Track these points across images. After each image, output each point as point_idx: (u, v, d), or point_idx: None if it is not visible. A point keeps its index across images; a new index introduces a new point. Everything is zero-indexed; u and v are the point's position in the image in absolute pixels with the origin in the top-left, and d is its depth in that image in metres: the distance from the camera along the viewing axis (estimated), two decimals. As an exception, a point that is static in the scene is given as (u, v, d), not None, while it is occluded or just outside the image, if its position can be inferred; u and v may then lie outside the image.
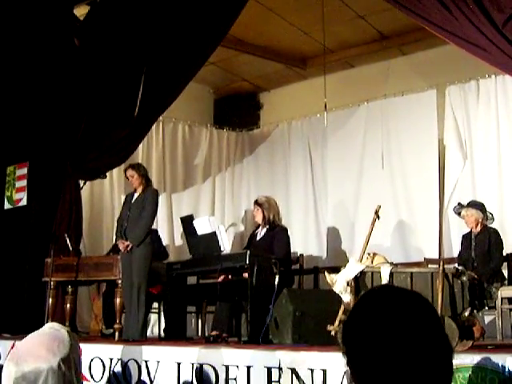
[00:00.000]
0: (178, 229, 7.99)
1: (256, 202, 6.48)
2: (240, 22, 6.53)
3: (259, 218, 6.42)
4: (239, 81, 9.34)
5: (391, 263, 4.73)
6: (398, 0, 5.08)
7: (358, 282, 4.52)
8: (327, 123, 6.85)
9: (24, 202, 7.05)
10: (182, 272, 6.20)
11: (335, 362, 3.97)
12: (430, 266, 6.01)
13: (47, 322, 5.28)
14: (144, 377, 4.78)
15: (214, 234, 5.82)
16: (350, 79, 8.51)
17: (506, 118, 6.95)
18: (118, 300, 5.97)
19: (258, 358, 4.25)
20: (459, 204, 6.16)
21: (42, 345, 1.69)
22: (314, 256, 8.09)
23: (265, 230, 6.39)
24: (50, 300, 6.06)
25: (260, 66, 8.77)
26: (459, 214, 6.12)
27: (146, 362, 4.80)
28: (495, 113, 7.00)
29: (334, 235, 8.10)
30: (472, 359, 3.25)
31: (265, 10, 7.29)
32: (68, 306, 6.37)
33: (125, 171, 6.30)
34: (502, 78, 6.84)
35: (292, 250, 6.61)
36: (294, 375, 4.03)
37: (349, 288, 4.49)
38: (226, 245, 5.88)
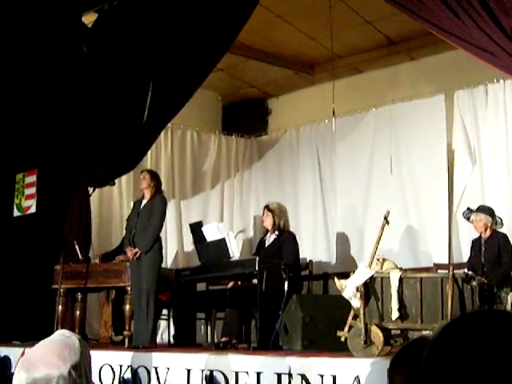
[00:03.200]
0: (187, 235, 7.99)
1: (267, 208, 6.47)
2: (248, 28, 6.55)
3: (268, 224, 6.42)
4: (247, 87, 9.36)
5: (400, 268, 4.72)
6: (405, 5, 5.09)
7: (367, 287, 4.51)
8: (335, 129, 6.84)
9: (33, 210, 7.08)
10: (191, 278, 6.21)
11: (345, 368, 3.97)
12: (439, 271, 5.98)
13: (57, 329, 5.30)
14: (154, 383, 4.79)
15: (222, 241, 5.83)
16: (358, 85, 8.50)
17: (514, 122, 6.92)
18: (127, 307, 5.98)
19: (268, 364, 4.25)
20: (468, 209, 6.14)
21: (53, 352, 1.70)
22: (323, 262, 8.07)
23: (274, 236, 6.40)
24: (60, 307, 6.08)
25: (268, 72, 8.78)
26: (468, 218, 6.10)
27: (155, 368, 4.80)
28: (504, 117, 6.97)
29: (343, 241, 8.08)
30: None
31: (272, 16, 7.31)
32: (78, 313, 6.39)
33: (141, 172, 6.36)
34: (511, 83, 6.82)
35: (301, 256, 6.61)
36: (303, 381, 4.02)
37: (358, 294, 4.49)
38: (235, 251, 5.89)
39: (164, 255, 6.69)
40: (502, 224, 6.02)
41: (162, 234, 6.31)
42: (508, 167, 6.90)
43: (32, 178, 7.18)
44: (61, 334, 1.80)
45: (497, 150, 7.02)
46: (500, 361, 1.05)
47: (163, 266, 6.49)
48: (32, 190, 7.13)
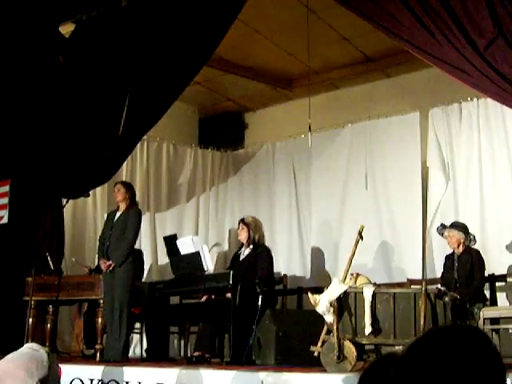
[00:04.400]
0: (162, 248, 7.95)
1: (243, 221, 6.47)
2: (226, 42, 6.57)
3: (243, 237, 6.41)
4: (224, 101, 9.37)
5: (374, 284, 4.74)
6: (381, 23, 5.15)
7: (340, 302, 4.52)
8: (312, 144, 6.87)
9: (5, 220, 6.96)
10: (164, 292, 6.16)
11: (318, 383, 3.96)
12: (412, 286, 6.02)
13: (27, 342, 5.20)
14: (125, 398, 4.73)
15: (197, 254, 5.81)
16: (334, 101, 8.56)
17: (487, 140, 7.02)
18: (99, 320, 5.91)
19: (241, 379, 4.22)
20: (442, 225, 6.20)
21: (20, 365, 1.67)
22: (298, 276, 8.07)
23: (248, 250, 6.38)
24: (31, 320, 5.98)
25: (245, 86, 8.81)
26: (442, 234, 6.16)
27: (127, 383, 4.75)
28: (477, 135, 7.08)
29: (317, 255, 8.09)
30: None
31: (251, 30, 7.34)
32: (49, 325, 6.29)
33: (114, 185, 6.30)
34: (484, 101, 6.92)
35: (275, 270, 6.61)
36: (276, 397, 4.00)
37: (332, 308, 4.49)
38: (209, 265, 5.87)
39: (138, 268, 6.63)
40: (475, 241, 6.08)
41: (136, 247, 6.27)
42: (481, 184, 6.99)
43: (5, 188, 7.07)
44: (29, 348, 1.76)
45: (470, 168, 7.11)
46: (467, 376, 1.06)
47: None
48: (4, 201, 7.02)
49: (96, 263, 6.96)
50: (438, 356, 1.10)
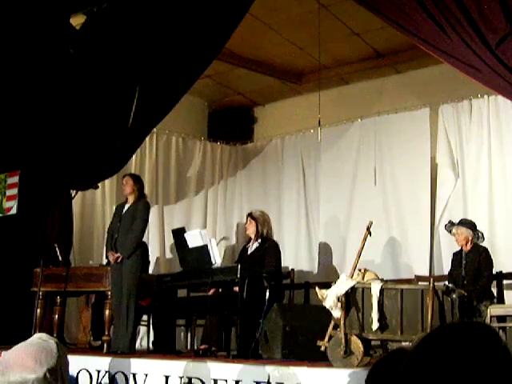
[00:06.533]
0: (170, 241, 7.97)
1: (250, 215, 6.49)
2: (236, 36, 6.56)
3: (252, 232, 6.43)
4: (234, 94, 9.37)
5: (382, 279, 4.73)
6: (393, 19, 5.13)
7: (348, 297, 4.52)
8: (321, 139, 6.87)
9: (14, 211, 7.00)
10: (172, 284, 6.18)
11: (324, 378, 3.97)
12: (420, 283, 6.01)
13: (35, 332, 5.23)
14: (131, 389, 4.75)
15: (205, 247, 5.82)
16: (344, 96, 8.54)
17: (497, 138, 6.99)
18: (107, 312, 5.94)
19: (247, 373, 4.24)
20: (450, 222, 6.19)
21: (30, 355, 1.68)
22: (305, 271, 8.08)
23: (256, 244, 6.39)
24: (38, 310, 6.02)
25: (255, 80, 8.80)
26: (450, 231, 6.15)
27: (133, 374, 4.77)
28: (487, 132, 7.05)
29: (325, 250, 8.09)
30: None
31: (261, 24, 7.33)
32: (56, 316, 6.32)
33: (123, 177, 6.32)
34: (494, 98, 6.89)
35: (283, 265, 6.61)
36: (282, 390, 4.01)
37: (339, 304, 4.49)
38: (217, 258, 5.88)
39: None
40: (484, 238, 6.07)
41: (144, 240, 6.29)
42: (490, 182, 6.97)
43: (14, 179, 7.11)
44: (38, 338, 1.78)
45: (479, 165, 7.09)
46: (476, 372, 1.06)
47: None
48: (14, 191, 7.06)
49: (104, 255, 6.99)
50: (448, 352, 1.10)
